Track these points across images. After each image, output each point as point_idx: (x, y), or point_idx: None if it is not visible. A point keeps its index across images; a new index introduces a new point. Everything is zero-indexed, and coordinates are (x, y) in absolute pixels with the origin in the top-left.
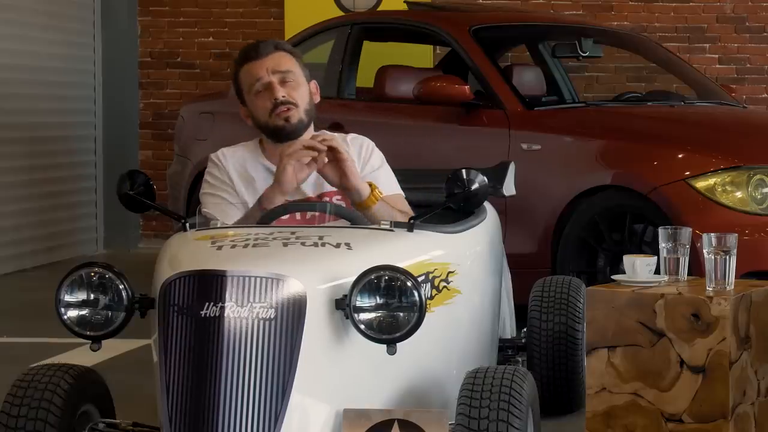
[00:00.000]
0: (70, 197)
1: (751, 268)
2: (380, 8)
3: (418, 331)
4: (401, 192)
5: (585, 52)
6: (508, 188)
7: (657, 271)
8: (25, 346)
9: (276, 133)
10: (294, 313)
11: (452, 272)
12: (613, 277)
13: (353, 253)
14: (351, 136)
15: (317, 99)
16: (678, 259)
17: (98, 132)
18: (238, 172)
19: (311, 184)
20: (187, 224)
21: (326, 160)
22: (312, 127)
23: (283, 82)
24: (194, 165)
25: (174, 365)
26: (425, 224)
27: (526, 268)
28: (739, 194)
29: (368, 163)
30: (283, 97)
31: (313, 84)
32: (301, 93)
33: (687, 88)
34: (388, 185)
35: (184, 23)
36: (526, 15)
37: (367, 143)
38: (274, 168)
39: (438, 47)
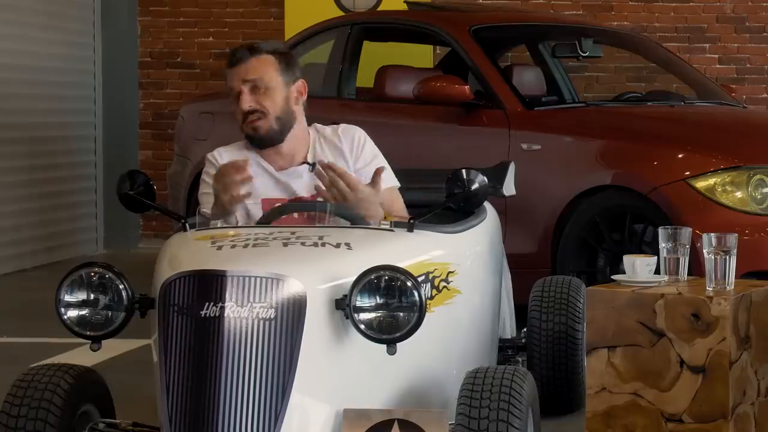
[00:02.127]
0: (70, 197)
1: (751, 268)
2: (380, 8)
3: (418, 331)
4: (397, 183)
5: (585, 52)
6: (508, 188)
7: (657, 271)
8: (25, 346)
9: (250, 140)
10: (294, 313)
11: (452, 272)
12: (613, 277)
13: (353, 253)
14: (342, 127)
15: (304, 98)
16: (678, 259)
17: (98, 132)
18: None
19: (306, 186)
20: (187, 224)
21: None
22: (301, 126)
23: (253, 89)
24: (194, 165)
25: (174, 365)
26: (425, 224)
27: (526, 268)
28: (739, 194)
29: (360, 157)
30: (250, 106)
31: (300, 83)
32: (273, 99)
33: (687, 88)
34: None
35: (184, 23)
36: (526, 15)
37: (359, 135)
38: (269, 167)
39: (438, 47)
